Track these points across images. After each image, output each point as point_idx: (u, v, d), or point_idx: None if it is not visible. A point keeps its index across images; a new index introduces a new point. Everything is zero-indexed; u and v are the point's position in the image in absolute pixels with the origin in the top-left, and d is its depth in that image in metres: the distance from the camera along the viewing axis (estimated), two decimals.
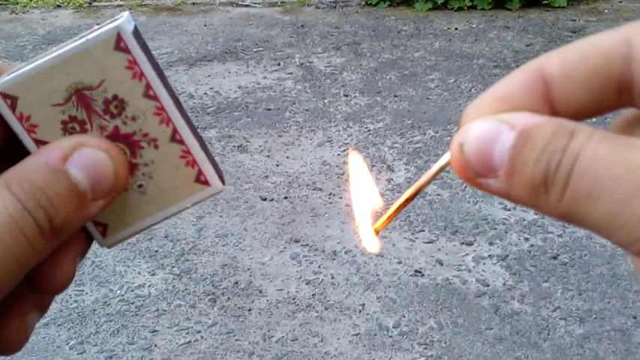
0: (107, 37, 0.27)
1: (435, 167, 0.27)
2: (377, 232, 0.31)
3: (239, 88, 3.41)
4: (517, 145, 0.22)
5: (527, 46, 3.81)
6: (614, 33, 0.24)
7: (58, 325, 1.85)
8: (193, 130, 0.30)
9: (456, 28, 4.18)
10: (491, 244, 2.16)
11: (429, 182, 0.27)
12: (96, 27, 0.28)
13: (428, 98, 3.24)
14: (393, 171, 2.57)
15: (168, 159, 0.29)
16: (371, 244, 0.31)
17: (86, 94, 0.28)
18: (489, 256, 2.10)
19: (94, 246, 0.31)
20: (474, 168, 0.23)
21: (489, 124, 0.23)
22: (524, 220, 2.27)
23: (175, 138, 0.29)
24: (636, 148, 0.21)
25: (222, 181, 0.30)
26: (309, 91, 3.35)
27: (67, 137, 0.28)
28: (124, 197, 0.29)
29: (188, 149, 0.29)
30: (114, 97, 0.28)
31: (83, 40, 0.27)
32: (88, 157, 0.27)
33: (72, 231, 0.27)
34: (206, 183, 0.30)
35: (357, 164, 0.33)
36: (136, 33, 0.28)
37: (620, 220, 0.20)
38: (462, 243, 2.16)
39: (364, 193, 0.32)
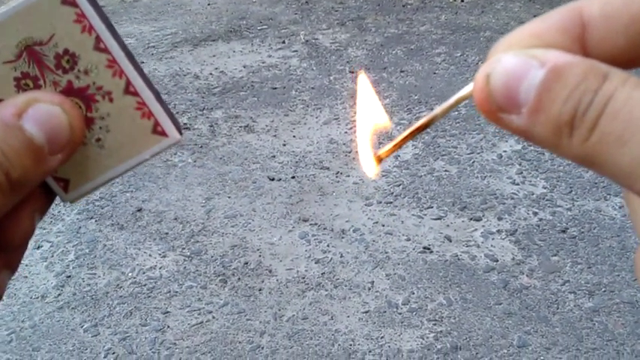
0: None
1: (453, 98, 0.26)
2: (381, 158, 0.30)
3: (244, 67, 3.39)
4: (546, 82, 0.21)
5: (535, 16, 3.74)
6: None
7: (72, 308, 1.88)
8: (147, 81, 0.30)
9: (462, 0, 4.12)
10: (499, 219, 2.15)
11: (443, 114, 0.27)
12: None
13: (435, 73, 3.21)
14: (400, 147, 2.56)
15: (123, 111, 0.30)
16: (370, 169, 0.31)
17: (37, 50, 0.28)
18: (498, 231, 2.10)
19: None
20: (497, 102, 0.22)
21: (519, 59, 0.22)
22: (532, 194, 2.26)
23: (129, 90, 0.29)
24: None
25: (180, 132, 0.31)
26: (314, 68, 3.33)
27: (20, 94, 0.28)
28: (83, 152, 0.30)
29: (143, 101, 0.30)
30: (65, 52, 0.28)
31: None
32: (42, 111, 0.27)
33: (32, 186, 0.28)
34: (163, 134, 0.30)
35: (364, 86, 0.32)
36: None
37: None
38: (471, 219, 2.16)
39: (369, 115, 0.32)
